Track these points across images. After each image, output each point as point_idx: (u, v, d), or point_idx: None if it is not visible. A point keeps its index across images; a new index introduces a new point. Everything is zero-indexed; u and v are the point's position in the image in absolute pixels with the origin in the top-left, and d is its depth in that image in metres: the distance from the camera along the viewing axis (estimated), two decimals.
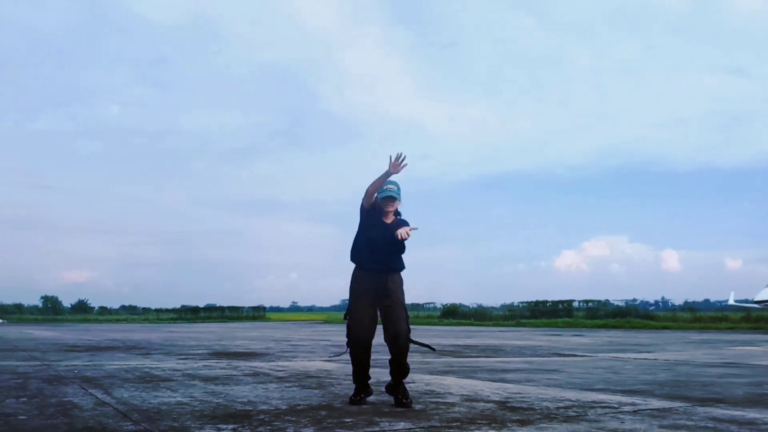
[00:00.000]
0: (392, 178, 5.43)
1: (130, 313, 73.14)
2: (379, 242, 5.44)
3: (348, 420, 4.53)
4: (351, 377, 5.46)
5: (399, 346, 5.24)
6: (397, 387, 5.33)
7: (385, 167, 5.26)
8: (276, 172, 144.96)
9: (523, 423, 4.46)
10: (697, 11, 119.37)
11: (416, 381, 6.85)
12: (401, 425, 4.33)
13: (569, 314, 44.52)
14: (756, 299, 30.55)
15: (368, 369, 5.44)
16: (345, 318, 5.47)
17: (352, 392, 5.51)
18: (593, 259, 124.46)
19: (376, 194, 5.53)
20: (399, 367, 5.30)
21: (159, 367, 8.83)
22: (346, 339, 5.44)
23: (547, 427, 4.29)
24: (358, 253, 5.56)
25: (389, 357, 5.33)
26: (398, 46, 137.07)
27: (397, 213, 5.67)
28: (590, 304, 46.48)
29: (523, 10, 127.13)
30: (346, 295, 5.51)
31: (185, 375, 7.73)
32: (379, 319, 5.40)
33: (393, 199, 5.56)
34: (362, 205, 5.59)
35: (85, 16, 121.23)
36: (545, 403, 5.44)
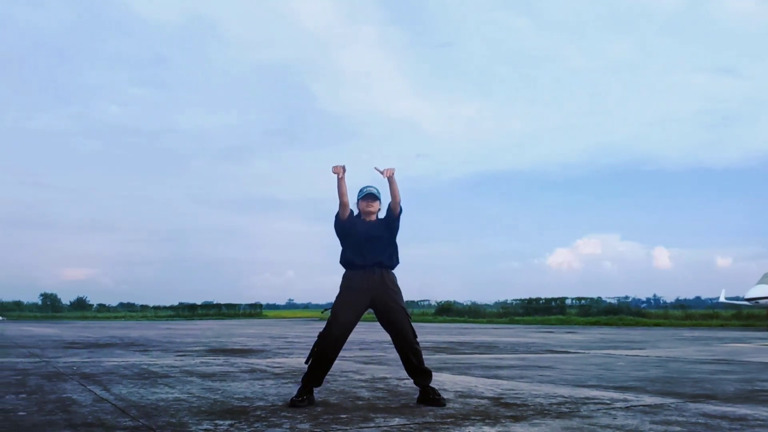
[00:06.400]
0: (370, 183, 5.36)
1: (129, 310, 72.96)
2: (368, 238, 5.31)
3: (343, 416, 4.57)
4: (322, 375, 5.13)
5: (411, 350, 5.19)
6: (426, 392, 5.18)
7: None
8: (272, 170, 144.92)
9: (516, 419, 4.50)
10: (688, 11, 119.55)
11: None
12: (396, 421, 4.38)
13: (562, 311, 44.63)
14: (746, 297, 30.64)
15: (325, 375, 5.23)
16: (322, 312, 5.19)
17: (295, 393, 5.23)
18: (586, 257, 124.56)
19: (356, 199, 5.48)
20: (421, 372, 5.22)
21: (157, 364, 8.87)
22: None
23: (540, 423, 4.33)
24: (347, 252, 5.37)
25: (404, 367, 5.27)
26: (393, 45, 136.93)
27: (377, 215, 5.51)
28: (583, 301, 46.63)
29: (517, 11, 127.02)
30: None
31: (183, 371, 7.76)
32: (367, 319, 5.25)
33: (373, 197, 5.44)
34: (337, 217, 5.39)
35: (83, 16, 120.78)
36: (538, 399, 5.49)
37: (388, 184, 5.33)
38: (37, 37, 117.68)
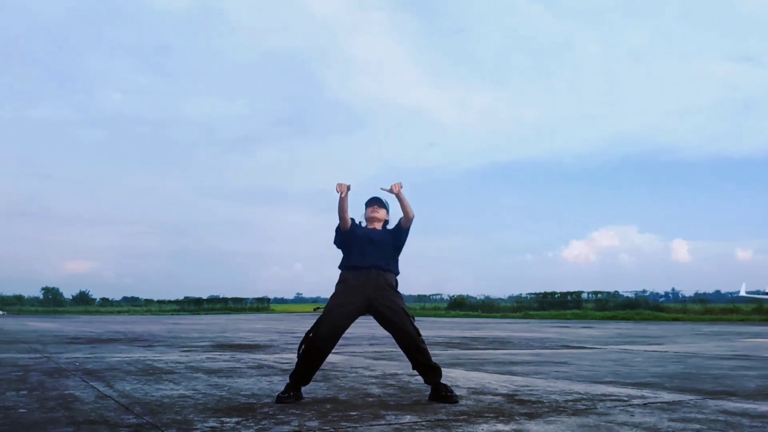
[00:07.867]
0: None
1: (133, 304, 73.53)
2: (369, 240, 5.18)
3: (353, 413, 4.49)
4: (311, 374, 5.06)
5: (416, 349, 5.05)
6: (438, 389, 5.05)
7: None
8: (281, 161, 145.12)
9: (531, 416, 4.41)
10: None
11: None
12: (408, 418, 4.29)
13: (578, 306, 44.68)
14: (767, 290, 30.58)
15: (314, 374, 5.11)
16: (314, 309, 5.11)
17: (282, 389, 5.10)
18: (602, 250, 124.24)
19: (363, 209, 5.40)
20: (430, 370, 5.08)
21: (162, 360, 8.85)
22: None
23: (556, 420, 4.25)
24: (347, 253, 5.25)
25: (412, 366, 5.15)
26: (405, 33, 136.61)
27: (385, 226, 5.41)
28: (599, 295, 46.66)
29: None
30: None
31: (188, 367, 7.72)
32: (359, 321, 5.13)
33: (380, 203, 5.37)
34: (338, 230, 5.27)
35: (86, 2, 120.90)
36: (554, 396, 5.40)
37: (398, 202, 5.20)
38: (39, 23, 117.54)
